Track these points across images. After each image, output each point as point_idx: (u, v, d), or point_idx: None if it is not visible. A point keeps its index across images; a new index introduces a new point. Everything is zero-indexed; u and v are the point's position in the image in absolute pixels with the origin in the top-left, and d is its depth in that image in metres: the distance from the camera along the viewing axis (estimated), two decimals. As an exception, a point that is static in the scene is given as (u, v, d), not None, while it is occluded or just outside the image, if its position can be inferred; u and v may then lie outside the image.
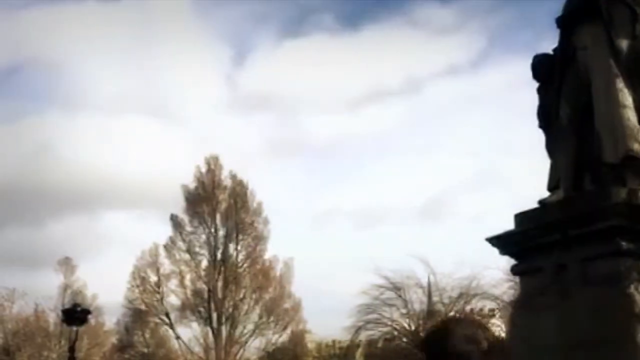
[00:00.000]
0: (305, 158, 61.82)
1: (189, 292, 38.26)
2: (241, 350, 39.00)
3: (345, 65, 62.77)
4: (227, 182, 39.98)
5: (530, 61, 7.73)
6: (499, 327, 30.85)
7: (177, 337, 38.51)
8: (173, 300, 38.64)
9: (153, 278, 38.50)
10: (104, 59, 64.61)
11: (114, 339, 40.26)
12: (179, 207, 39.46)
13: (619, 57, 6.95)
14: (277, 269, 39.45)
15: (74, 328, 20.21)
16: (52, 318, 39.39)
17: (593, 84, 7.07)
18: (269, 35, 69.84)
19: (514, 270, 7.68)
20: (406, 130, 62.22)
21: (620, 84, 6.92)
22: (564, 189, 7.14)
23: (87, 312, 21.14)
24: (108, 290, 55.16)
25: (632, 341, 6.02)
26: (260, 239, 39.50)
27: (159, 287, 38.42)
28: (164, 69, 59.42)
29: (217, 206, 39.36)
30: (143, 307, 38.21)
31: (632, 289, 6.22)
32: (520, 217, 7.21)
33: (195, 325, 38.49)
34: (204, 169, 40.13)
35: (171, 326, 38.44)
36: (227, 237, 39.12)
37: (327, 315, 53.95)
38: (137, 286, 38.45)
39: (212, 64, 64.92)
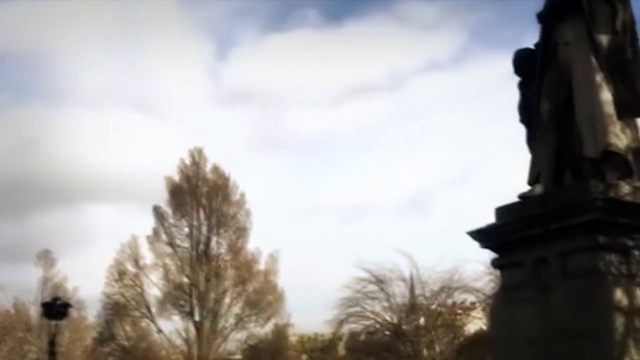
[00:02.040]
0: (290, 152, 61.89)
1: (170, 285, 38.12)
2: (223, 344, 38.96)
3: (329, 60, 62.78)
4: (210, 175, 39.85)
5: (510, 58, 7.76)
6: (480, 320, 31.13)
7: (159, 331, 38.40)
8: (155, 293, 38.51)
9: (133, 271, 38.31)
10: (89, 53, 64.18)
11: (94, 333, 40.01)
12: (162, 199, 39.34)
13: (599, 53, 7.01)
14: (261, 261, 39.45)
15: (54, 322, 20.03)
16: (33, 312, 39.14)
17: (574, 79, 7.12)
18: (253, 30, 69.73)
19: (495, 264, 7.73)
20: (389, 125, 62.29)
21: (601, 79, 6.97)
22: (544, 183, 7.19)
23: (67, 305, 20.96)
24: (90, 283, 54.96)
25: (611, 333, 6.08)
26: (242, 232, 39.43)
27: (139, 280, 38.22)
28: (148, 63, 59.09)
29: (200, 198, 39.22)
30: (122, 300, 38.00)
31: (610, 282, 6.28)
32: (501, 211, 7.25)
33: (177, 318, 38.41)
34: (188, 161, 39.98)
35: (152, 320, 38.30)
36: (210, 230, 39.02)
37: (311, 309, 54.18)
38: (116, 280, 38.21)
39: (196, 59, 64.54)
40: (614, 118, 6.92)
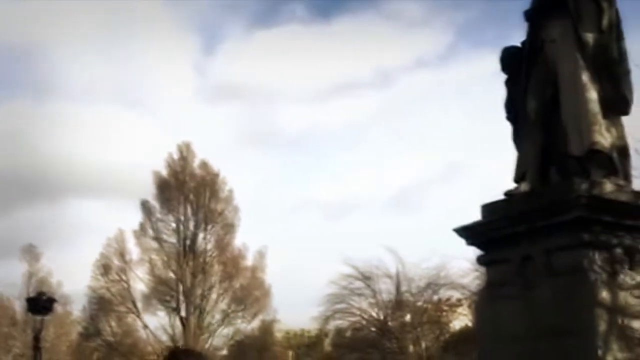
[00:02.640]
0: (277, 148, 61.71)
1: (156, 280, 37.99)
2: (209, 340, 38.90)
3: (317, 56, 62.81)
4: (198, 170, 39.74)
5: (497, 56, 7.79)
6: (465, 317, 31.26)
7: (145, 326, 38.26)
8: (141, 288, 38.37)
9: (119, 265, 38.14)
10: (76, 47, 63.55)
11: (80, 328, 39.80)
12: (149, 194, 39.18)
13: (585, 51, 7.04)
14: (248, 257, 39.40)
15: (39, 317, 19.89)
16: (18, 306, 38.91)
17: (560, 77, 7.15)
18: (240, 25, 69.32)
19: (480, 261, 7.75)
20: (377, 122, 62.37)
21: (587, 77, 7.01)
22: (530, 180, 7.22)
23: (52, 300, 20.79)
24: (76, 278, 54.68)
25: (594, 330, 6.13)
26: (229, 228, 39.35)
27: (125, 275, 38.06)
28: (135, 58, 58.75)
29: (187, 194, 39.08)
30: (107, 295, 37.82)
31: (594, 279, 6.32)
32: (487, 208, 7.28)
33: (162, 314, 38.28)
34: (176, 156, 39.84)
35: (138, 315, 38.16)
36: (197, 225, 38.91)
37: (298, 305, 54.06)
38: (102, 274, 38.02)
39: (183, 54, 64.29)
40: (600, 117, 6.96)
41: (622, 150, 7.15)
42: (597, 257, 6.45)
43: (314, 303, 32.00)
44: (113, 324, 38.47)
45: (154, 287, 37.98)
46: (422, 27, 66.77)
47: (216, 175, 39.59)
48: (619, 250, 6.57)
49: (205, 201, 38.97)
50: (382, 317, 32.07)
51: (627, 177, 7.10)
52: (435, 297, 31.79)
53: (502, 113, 7.79)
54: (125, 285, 38.08)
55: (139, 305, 38.01)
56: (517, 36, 7.71)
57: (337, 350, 36.17)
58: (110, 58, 62.06)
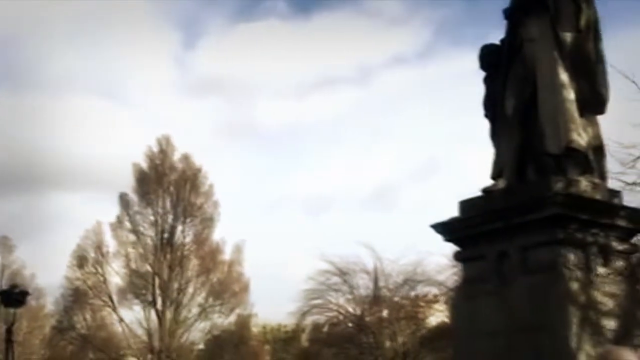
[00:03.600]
0: (257, 143, 61.44)
1: (133, 273, 37.73)
2: (186, 334, 38.71)
3: (297, 51, 62.54)
4: (179, 164, 39.53)
5: (475, 54, 7.83)
6: (442, 313, 31.44)
7: (120, 320, 37.98)
8: (117, 281, 38.07)
9: (95, 257, 37.81)
10: (54, 39, 62.78)
11: (53, 321, 39.41)
12: (128, 187, 38.90)
13: (563, 50, 7.10)
14: (226, 252, 39.26)
15: (12, 310, 19.66)
16: (-9, 299, 38.44)
17: (538, 75, 7.20)
18: (221, 19, 68.88)
19: (457, 257, 7.79)
20: (356, 118, 62.30)
21: (564, 76, 7.07)
22: (507, 177, 7.27)
23: (25, 293, 20.56)
24: (51, 272, 54.17)
25: (567, 326, 6.20)
26: (208, 222, 39.19)
27: (101, 268, 37.74)
28: (115, 51, 58.13)
29: (167, 187, 38.85)
30: (83, 287, 37.48)
31: (568, 276, 6.39)
32: (464, 205, 7.32)
33: (138, 308, 38.04)
34: (155, 149, 39.57)
35: (114, 308, 37.87)
36: (175, 219, 38.69)
37: (276, 300, 54.11)
38: (78, 266, 37.67)
39: (163, 47, 63.80)
40: (577, 115, 7.03)
41: (598, 149, 7.23)
42: (572, 254, 6.51)
43: (292, 298, 32.00)
44: (88, 317, 38.16)
45: (130, 280, 37.72)
46: (401, 24, 66.94)
47: (197, 169, 39.42)
48: (593, 248, 6.64)
49: (185, 195, 38.77)
50: (359, 313, 32.14)
51: (602, 175, 7.18)
52: (412, 293, 31.91)
53: (480, 110, 7.83)
54: (101, 278, 37.77)
55: (115, 298, 37.74)
56: (496, 34, 7.77)
57: (313, 345, 36.21)
58: (91, 50, 61.55)
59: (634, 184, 9.99)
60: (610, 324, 6.41)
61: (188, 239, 38.87)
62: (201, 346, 40.56)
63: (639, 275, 7.43)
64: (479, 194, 7.33)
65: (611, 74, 7.37)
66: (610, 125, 7.56)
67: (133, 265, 37.95)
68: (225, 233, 39.41)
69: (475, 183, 7.46)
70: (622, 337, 6.33)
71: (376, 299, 31.80)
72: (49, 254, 48.44)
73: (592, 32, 7.21)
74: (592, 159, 7.05)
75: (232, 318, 39.38)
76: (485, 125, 7.79)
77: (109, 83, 60.51)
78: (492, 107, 7.64)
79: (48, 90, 61.31)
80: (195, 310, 38.44)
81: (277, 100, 60.52)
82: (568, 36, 7.14)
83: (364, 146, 60.98)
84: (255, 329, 41.61)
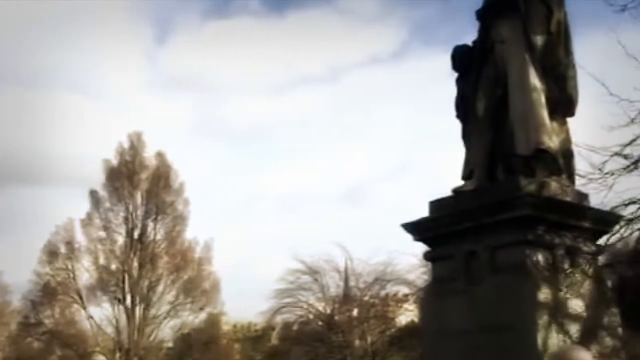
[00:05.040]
0: (229, 140, 61.31)
1: (102, 270, 37.34)
2: (155, 331, 38.42)
3: (270, 49, 62.39)
4: (150, 160, 39.22)
5: (449, 54, 7.85)
6: (412, 312, 31.62)
7: (89, 317, 37.55)
8: (86, 278, 37.63)
9: (65, 253, 37.35)
10: (25, 34, 61.79)
11: (20, 317, 38.82)
12: (99, 183, 38.50)
13: (534, 52, 7.16)
14: (197, 250, 39.04)
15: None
16: (-45, 296, 37.75)
17: (509, 77, 7.26)
18: (193, 15, 68.39)
19: (427, 256, 7.81)
20: (329, 117, 62.37)
21: (535, 78, 7.13)
22: (477, 178, 7.31)
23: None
24: (19, 269, 53.34)
25: (534, 326, 6.25)
26: (179, 220, 38.95)
27: (71, 264, 37.29)
28: (86, 45, 57.45)
29: (138, 184, 38.51)
30: (52, 283, 36.99)
31: (536, 277, 6.44)
32: (435, 205, 7.35)
33: (108, 305, 37.65)
34: (126, 145, 39.22)
35: (82, 305, 37.42)
36: (146, 216, 38.39)
37: (248, 299, 53.93)
38: (48, 261, 37.19)
39: (134, 43, 62.98)
40: (546, 117, 7.09)
41: (567, 151, 7.30)
42: (540, 255, 6.57)
43: (263, 296, 31.99)
44: (56, 313, 37.68)
45: (100, 277, 37.34)
46: (376, 24, 67.12)
47: (168, 166, 39.17)
48: (561, 249, 6.71)
49: (157, 192, 38.50)
50: (329, 312, 32.21)
51: (570, 177, 7.26)
52: (383, 292, 32.06)
53: (452, 111, 7.87)
54: (70, 274, 37.34)
55: (84, 295, 37.32)
56: (470, 35, 7.81)
57: (283, 343, 36.21)
58: (62, 45, 60.71)
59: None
60: (576, 324, 6.48)
61: (159, 237, 38.62)
62: (170, 344, 40.28)
63: (605, 276, 7.54)
64: (450, 194, 7.36)
65: (582, 76, 7.45)
66: (581, 127, 7.64)
67: (102, 262, 37.58)
68: (196, 231, 39.25)
69: (447, 183, 7.51)
70: (588, 338, 6.41)
71: (346, 298, 31.90)
72: (18, 251, 47.78)
73: (562, 34, 7.29)
74: (561, 160, 7.12)
75: (202, 316, 39.19)
76: (457, 125, 7.83)
77: (80, 78, 59.85)
78: (464, 108, 7.68)
79: (18, 85, 60.34)
80: (165, 308, 38.17)
81: (249, 98, 60.37)
82: (539, 38, 7.20)
83: (337, 145, 61.08)
84: (225, 328, 41.45)
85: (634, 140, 8.39)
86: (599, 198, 7.14)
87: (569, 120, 7.42)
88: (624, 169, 7.36)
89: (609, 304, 6.92)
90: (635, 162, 8.05)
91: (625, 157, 7.42)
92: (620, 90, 7.45)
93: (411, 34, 68.54)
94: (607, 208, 7.12)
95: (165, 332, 39.04)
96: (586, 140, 7.28)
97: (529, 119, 7.04)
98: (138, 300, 37.27)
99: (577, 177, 7.30)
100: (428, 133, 52.44)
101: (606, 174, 7.17)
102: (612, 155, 7.29)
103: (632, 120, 7.38)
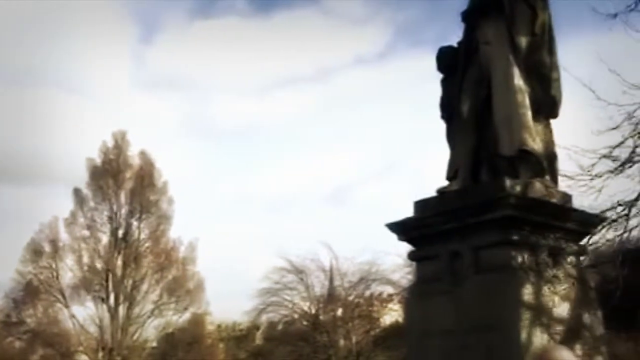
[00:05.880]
0: (215, 141, 61.14)
1: (86, 269, 37.14)
2: (139, 331, 38.27)
3: (256, 49, 62.26)
4: (135, 159, 39.10)
5: (434, 55, 7.87)
6: (396, 312, 31.70)
7: (72, 316, 37.32)
8: (70, 277, 37.39)
9: (49, 252, 37.10)
10: (8, 31, 61.29)
11: (1, 316, 38.48)
12: (83, 181, 38.29)
13: (518, 54, 7.19)
14: (181, 249, 38.93)
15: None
16: None
17: (493, 78, 7.28)
18: (180, 14, 68.17)
19: (411, 257, 7.82)
20: (316, 118, 62.55)
21: (519, 80, 7.16)
22: (461, 178, 7.34)
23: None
24: (1, 267, 52.85)
25: (517, 326, 6.28)
26: (164, 219, 38.84)
27: (54, 263, 37.05)
28: (72, 43, 57.18)
29: (122, 183, 38.36)
30: (35, 281, 36.73)
31: (519, 277, 6.47)
32: (419, 205, 7.36)
33: (91, 304, 37.44)
34: (110, 144, 39.07)
35: (65, 304, 37.18)
36: (131, 215, 38.24)
37: (234, 299, 53.82)
38: (32, 260, 36.93)
39: (120, 43, 62.81)
40: (530, 118, 7.13)
41: (551, 153, 7.34)
42: (524, 255, 6.59)
43: (249, 296, 31.96)
44: (39, 312, 37.41)
45: (83, 276, 37.14)
46: (362, 25, 67.21)
47: (152, 165, 39.04)
48: (545, 250, 6.74)
49: (141, 191, 38.36)
50: (313, 311, 32.22)
51: (554, 178, 7.30)
52: (367, 292, 32.15)
53: (437, 112, 7.89)
54: (54, 273, 37.10)
55: (67, 294, 37.09)
56: (455, 36, 7.83)
57: (268, 343, 36.20)
58: (48, 43, 60.27)
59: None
60: (559, 324, 6.52)
61: (143, 236, 38.49)
62: (154, 344, 40.13)
63: (588, 277, 7.59)
64: (435, 194, 7.38)
65: (567, 80, 7.50)
66: (569, 131, 7.68)
67: (86, 261, 37.39)
68: (181, 231, 39.18)
69: (433, 183, 7.53)
70: (571, 338, 6.45)
71: (331, 298, 31.94)
72: (0, 249, 47.37)
73: (546, 36, 7.33)
74: (545, 161, 7.16)
75: (187, 316, 39.10)
76: (442, 126, 7.85)
77: (67, 77, 59.67)
78: (449, 108, 7.70)
79: (2, 83, 59.85)
80: (148, 307, 38.06)
81: (236, 98, 60.33)
82: (523, 40, 7.23)
83: (323, 146, 61.19)
84: (210, 327, 41.35)
85: (621, 142, 8.48)
86: (589, 201, 7.19)
87: (556, 122, 7.46)
88: (612, 171, 7.41)
89: (592, 304, 6.96)
90: (622, 165, 8.12)
91: (613, 159, 7.47)
92: (608, 95, 7.49)
93: (397, 35, 68.80)
94: (596, 211, 7.15)
95: (149, 331, 38.97)
96: (575, 143, 7.33)
97: (513, 120, 7.08)
98: (122, 299, 37.11)
99: (564, 179, 7.34)
100: (415, 133, 52.63)
101: (594, 176, 7.21)
102: (600, 158, 7.34)
103: (619, 125, 7.43)
